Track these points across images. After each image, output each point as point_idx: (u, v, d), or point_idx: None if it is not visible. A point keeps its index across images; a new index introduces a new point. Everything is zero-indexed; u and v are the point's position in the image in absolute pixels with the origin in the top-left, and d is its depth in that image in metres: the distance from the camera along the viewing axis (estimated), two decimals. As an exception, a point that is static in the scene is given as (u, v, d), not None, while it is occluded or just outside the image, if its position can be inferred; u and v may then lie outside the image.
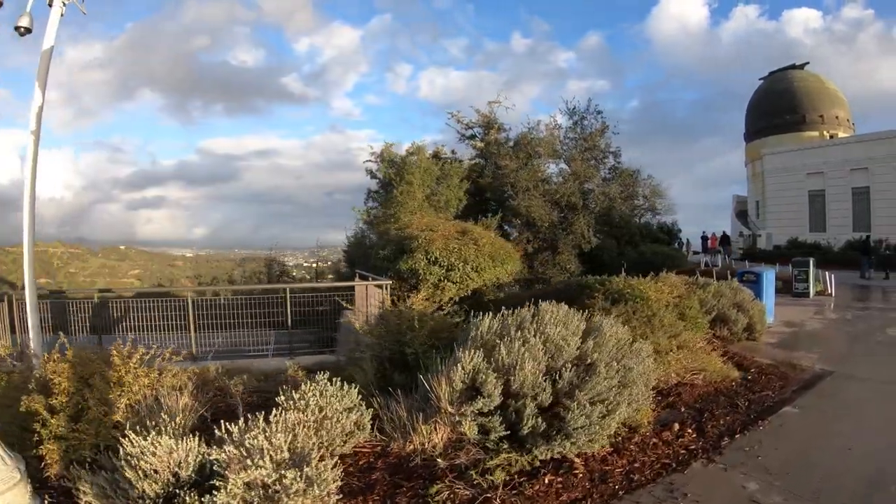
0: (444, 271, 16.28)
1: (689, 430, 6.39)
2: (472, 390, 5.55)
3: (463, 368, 5.49)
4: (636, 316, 8.94)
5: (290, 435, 4.27)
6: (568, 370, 5.62)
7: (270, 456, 3.91)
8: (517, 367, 5.48)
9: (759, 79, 51.90)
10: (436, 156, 30.27)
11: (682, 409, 7.17)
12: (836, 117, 46.43)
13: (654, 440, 6.07)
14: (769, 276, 14.93)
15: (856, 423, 7.03)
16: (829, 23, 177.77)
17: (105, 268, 76.38)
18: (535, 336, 5.85)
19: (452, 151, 31.13)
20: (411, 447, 5.39)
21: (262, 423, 4.24)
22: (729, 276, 24.99)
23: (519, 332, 5.94)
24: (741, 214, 51.04)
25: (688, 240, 40.89)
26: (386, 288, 14.12)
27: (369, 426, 5.53)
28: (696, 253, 37.95)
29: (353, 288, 14.67)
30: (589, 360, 5.87)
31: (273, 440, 4.05)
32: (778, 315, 15.33)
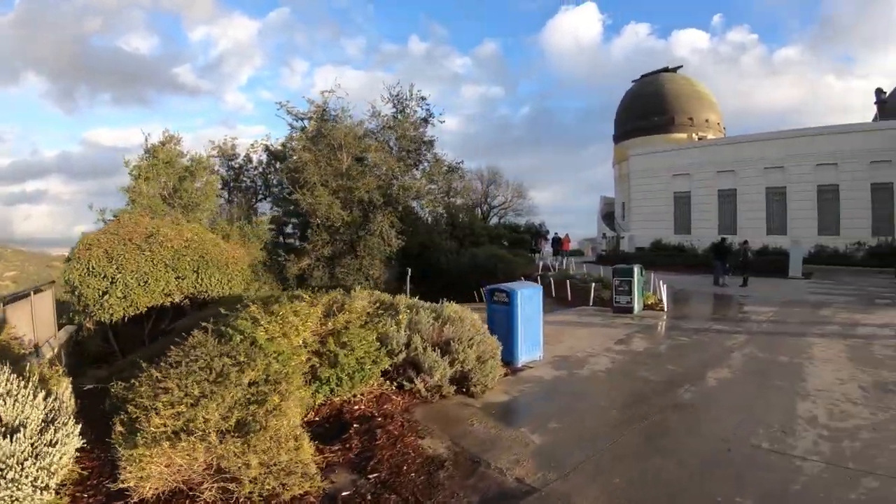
0: (107, 283, 12.16)
1: None
2: None
3: None
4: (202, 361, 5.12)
5: None
6: None
7: None
8: None
9: (632, 81, 47.35)
10: (267, 150, 26.47)
11: None
12: (707, 120, 42.15)
13: None
14: (526, 294, 9.03)
15: None
16: (715, 44, 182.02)
17: (-23, 269, 64.75)
18: None
19: (282, 145, 26.07)
20: None
21: None
22: (552, 283, 19.43)
23: None
24: (608, 216, 46.21)
25: (536, 240, 35.54)
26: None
27: None
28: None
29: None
30: None
31: None
32: (562, 345, 10.29)
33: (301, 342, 6.48)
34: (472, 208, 44.55)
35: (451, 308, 8.22)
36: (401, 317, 7.54)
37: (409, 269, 18.38)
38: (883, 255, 26.42)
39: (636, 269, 14.09)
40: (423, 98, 23.72)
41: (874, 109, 37.67)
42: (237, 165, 26.88)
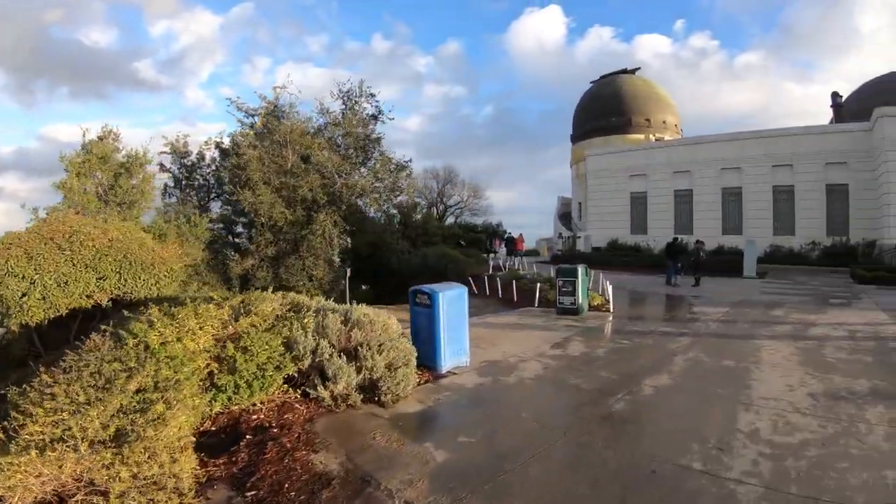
0: (27, 284, 11.29)
1: None
2: None
3: None
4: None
5: None
6: None
7: None
8: None
9: (591, 82, 47.04)
10: (218, 147, 25.06)
11: None
12: (664, 122, 42.03)
13: None
14: (449, 295, 8.17)
15: None
16: (677, 49, 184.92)
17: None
18: None
19: (231, 142, 24.71)
20: None
21: None
22: (498, 283, 18.52)
23: None
24: (564, 216, 45.81)
25: (491, 240, 34.83)
26: None
27: None
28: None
29: None
30: None
31: None
32: (495, 349, 9.44)
33: (200, 347, 5.84)
34: (428, 208, 43.76)
35: (361, 311, 7.44)
36: (306, 320, 6.72)
37: (349, 270, 17.58)
38: (837, 255, 26.50)
39: (580, 270, 13.29)
40: (372, 95, 23.05)
41: (831, 113, 38.02)
42: (189, 163, 25.66)
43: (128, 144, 20.23)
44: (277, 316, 6.93)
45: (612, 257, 29.21)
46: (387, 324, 7.29)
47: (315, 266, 20.81)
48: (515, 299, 16.69)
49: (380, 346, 6.73)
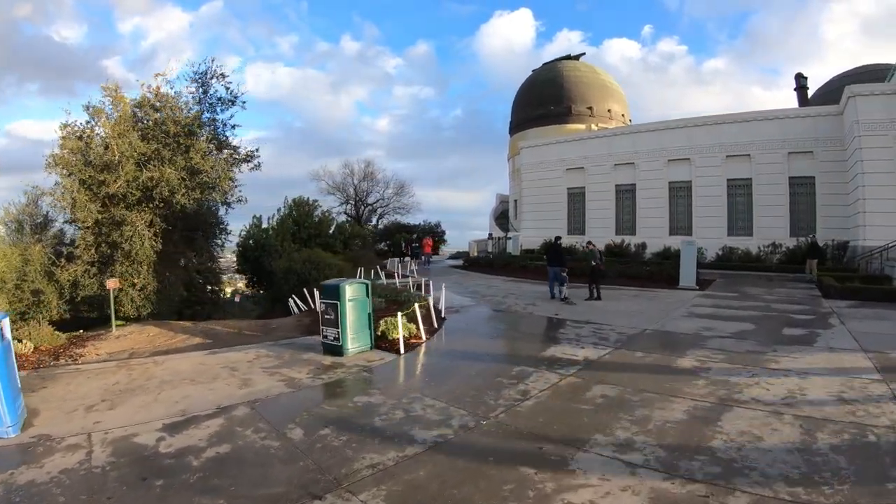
0: None
1: None
2: None
3: None
4: None
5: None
6: None
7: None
8: None
9: (532, 70, 41.45)
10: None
11: None
12: (609, 111, 36.56)
13: None
14: None
15: None
16: (645, 54, 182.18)
17: None
18: None
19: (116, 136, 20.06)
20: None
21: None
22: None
23: None
24: (503, 215, 40.34)
25: (403, 243, 29.69)
26: None
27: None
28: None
29: None
30: None
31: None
32: (108, 413, 5.38)
33: None
34: (355, 206, 38.98)
35: None
36: None
37: (110, 281, 14.77)
38: (801, 259, 21.14)
39: (346, 289, 7.89)
40: (223, 75, 19.26)
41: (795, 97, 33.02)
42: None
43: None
44: None
45: (528, 261, 23.91)
46: None
47: (137, 273, 17.46)
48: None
49: None
